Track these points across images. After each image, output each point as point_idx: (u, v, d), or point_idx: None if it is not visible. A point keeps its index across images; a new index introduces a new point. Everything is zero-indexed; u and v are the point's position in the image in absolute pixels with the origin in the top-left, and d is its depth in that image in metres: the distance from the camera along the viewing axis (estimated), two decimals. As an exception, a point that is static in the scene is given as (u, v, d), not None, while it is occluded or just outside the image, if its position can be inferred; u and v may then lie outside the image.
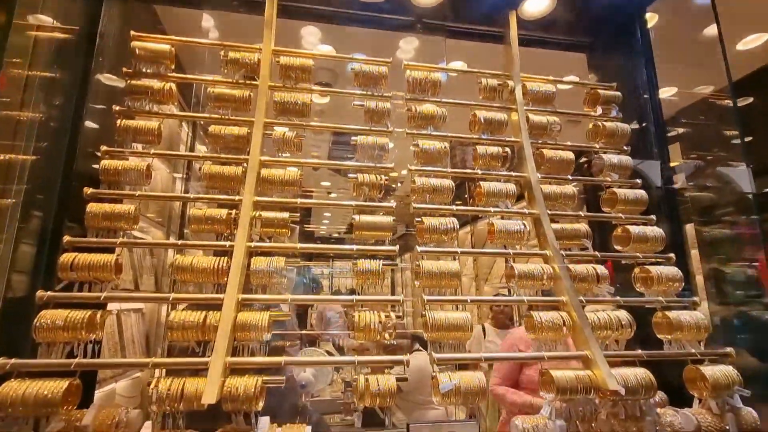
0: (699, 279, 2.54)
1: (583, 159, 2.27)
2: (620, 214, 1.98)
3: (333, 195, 8.06)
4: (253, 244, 1.62)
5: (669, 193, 2.26)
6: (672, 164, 2.41)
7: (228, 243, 1.60)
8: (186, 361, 1.39)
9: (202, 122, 2.88)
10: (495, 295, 4.44)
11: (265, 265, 1.58)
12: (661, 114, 2.46)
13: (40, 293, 1.41)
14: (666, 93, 3.48)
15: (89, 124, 1.80)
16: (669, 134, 2.66)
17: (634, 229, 1.90)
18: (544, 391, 1.54)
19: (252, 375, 1.36)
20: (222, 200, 1.71)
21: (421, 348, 4.78)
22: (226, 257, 1.57)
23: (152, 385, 1.30)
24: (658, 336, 1.77)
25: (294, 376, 2.62)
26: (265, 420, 1.36)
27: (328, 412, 3.43)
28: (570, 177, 2.02)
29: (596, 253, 1.87)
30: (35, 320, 1.35)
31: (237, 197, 1.70)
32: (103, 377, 2.35)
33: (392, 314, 1.56)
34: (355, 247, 1.69)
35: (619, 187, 2.03)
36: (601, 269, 1.81)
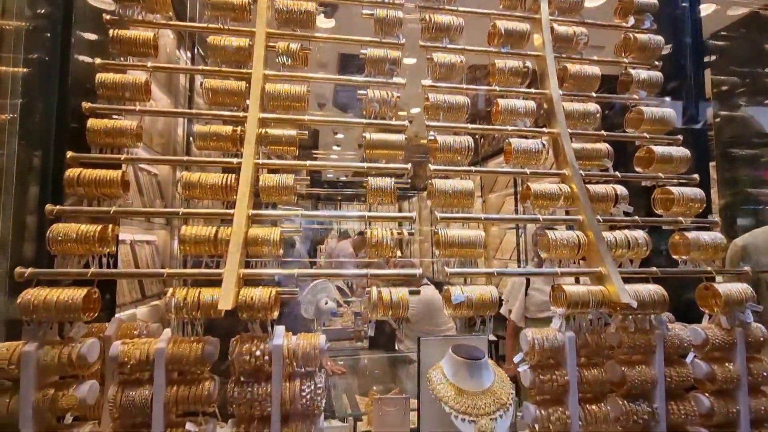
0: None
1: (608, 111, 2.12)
2: (645, 134, 1.88)
3: (339, 136, 7.87)
4: (260, 161, 1.57)
5: (696, 120, 2.14)
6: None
7: (235, 160, 1.55)
8: (200, 272, 1.40)
9: (197, 37, 2.71)
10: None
11: (274, 181, 1.54)
12: (700, 32, 2.26)
13: (49, 207, 1.39)
14: (706, 10, 3.18)
15: (81, 34, 1.68)
16: (704, 57, 2.46)
17: (658, 150, 1.81)
18: (555, 305, 1.55)
19: (266, 286, 1.37)
20: (226, 117, 1.64)
21: (428, 282, 4.91)
22: (234, 174, 1.53)
23: (169, 294, 1.31)
24: (674, 256, 1.74)
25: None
26: (280, 328, 1.40)
27: (340, 339, 3.60)
28: (594, 95, 1.89)
29: (617, 173, 1.79)
30: (48, 233, 1.34)
31: (242, 113, 1.62)
32: (122, 302, 2.43)
33: (404, 230, 1.54)
34: (366, 164, 1.63)
35: (646, 105, 1.90)
36: (621, 189, 1.75)
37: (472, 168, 1.71)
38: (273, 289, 1.36)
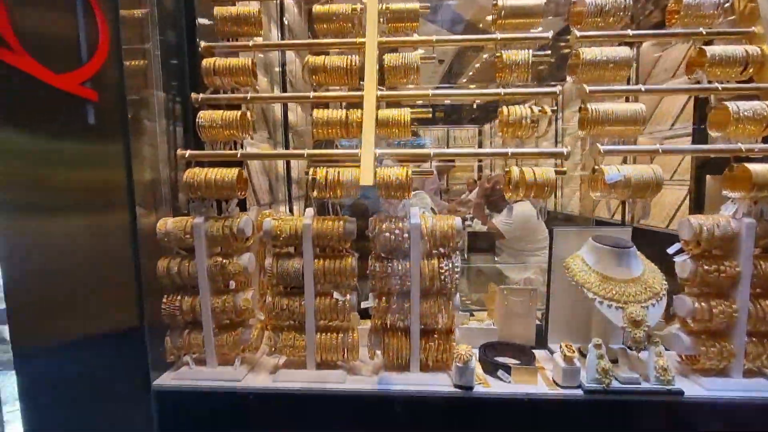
0: None
1: None
2: None
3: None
4: (384, 38, 1.46)
5: None
6: None
7: (357, 39, 1.47)
8: (339, 152, 1.41)
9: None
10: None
11: (399, 60, 1.44)
12: None
13: (194, 95, 1.47)
14: None
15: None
16: None
17: None
18: (729, 189, 1.32)
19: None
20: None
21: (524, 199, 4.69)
22: (357, 55, 1.45)
23: (311, 173, 1.35)
24: None
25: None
26: (415, 209, 1.39)
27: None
28: None
29: (831, 26, 1.38)
30: (197, 119, 1.42)
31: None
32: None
33: (546, 107, 1.37)
34: (499, 35, 1.44)
35: None
36: (837, 47, 1.35)
37: (629, 32, 1.42)
38: (408, 168, 1.33)
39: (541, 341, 1.61)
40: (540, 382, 1.37)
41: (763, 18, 1.37)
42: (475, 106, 5.88)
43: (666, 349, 1.35)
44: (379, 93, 1.42)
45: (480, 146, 5.87)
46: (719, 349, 1.31)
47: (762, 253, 1.32)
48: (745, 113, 1.31)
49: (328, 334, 1.41)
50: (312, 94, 1.46)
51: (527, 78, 1.43)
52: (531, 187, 1.31)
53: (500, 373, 1.38)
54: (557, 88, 1.37)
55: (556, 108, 1.34)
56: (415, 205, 3.28)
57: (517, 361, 1.46)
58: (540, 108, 1.37)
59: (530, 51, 1.41)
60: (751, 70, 1.39)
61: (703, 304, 1.31)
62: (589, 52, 1.39)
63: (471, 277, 3.42)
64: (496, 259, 3.54)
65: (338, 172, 1.34)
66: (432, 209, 4.10)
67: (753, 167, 1.25)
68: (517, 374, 1.36)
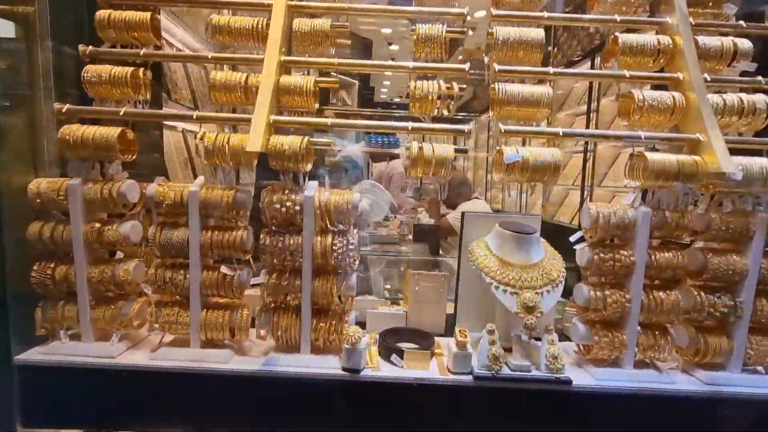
0: None
1: None
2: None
3: (394, 47, 7.23)
4: (294, 2, 1.38)
5: None
6: None
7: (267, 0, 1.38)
8: (230, 116, 1.32)
9: None
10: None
11: (308, 26, 1.36)
12: None
13: (82, 47, 1.34)
14: None
15: None
16: None
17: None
18: (630, 177, 1.31)
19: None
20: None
21: (479, 196, 4.69)
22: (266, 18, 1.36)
23: (199, 137, 1.26)
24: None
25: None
26: (313, 183, 1.31)
27: (384, 242, 3.61)
28: None
29: (741, 22, 1.38)
30: (82, 73, 1.31)
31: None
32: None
33: (455, 85, 1.32)
34: (416, 8, 1.38)
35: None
36: (744, 42, 1.35)
37: (544, 14, 1.38)
38: (305, 138, 1.25)
39: (452, 328, 1.57)
40: (435, 368, 1.33)
41: (677, 9, 1.36)
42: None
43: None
44: (283, 58, 1.34)
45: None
46: (611, 339, 1.29)
47: (660, 244, 1.32)
48: (650, 102, 1.29)
49: (216, 311, 1.32)
50: (210, 54, 1.36)
51: (442, 53, 1.38)
52: (429, 164, 1.26)
53: (393, 357, 1.33)
54: (466, 65, 1.32)
55: (466, 87, 1.28)
56: (367, 196, 3.24)
57: (416, 346, 1.41)
58: (448, 85, 1.32)
59: (444, 25, 1.36)
60: (662, 61, 1.38)
61: (598, 293, 1.29)
62: (502, 32, 1.35)
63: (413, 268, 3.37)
64: (441, 252, 3.52)
65: (228, 137, 1.26)
66: (394, 204, 4.07)
67: (651, 155, 1.23)
68: (409, 359, 1.31)
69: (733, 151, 1.22)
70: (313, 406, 1.27)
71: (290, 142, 1.24)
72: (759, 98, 1.30)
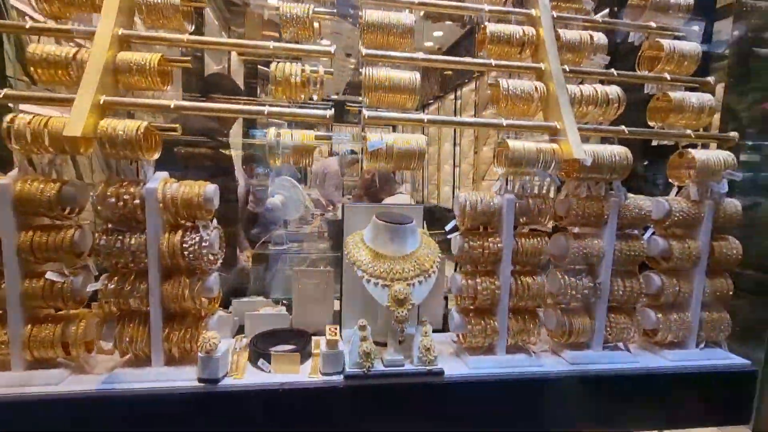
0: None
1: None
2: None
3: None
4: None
5: None
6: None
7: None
8: (45, 95, 1.13)
9: None
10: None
11: (155, -3, 1.20)
12: None
13: None
14: None
15: None
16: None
17: (654, -11, 1.44)
18: (497, 165, 1.32)
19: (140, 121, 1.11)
20: None
21: (403, 191, 4.70)
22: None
23: (7, 120, 1.06)
24: (650, 123, 1.48)
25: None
26: (160, 173, 1.16)
27: (308, 240, 3.48)
28: None
29: (597, 17, 1.45)
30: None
31: None
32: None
33: (321, 69, 1.24)
34: (276, -18, 1.27)
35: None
36: (599, 36, 1.42)
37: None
38: (143, 122, 1.10)
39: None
40: (308, 370, 1.24)
41: (539, 1, 1.39)
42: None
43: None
44: (122, 32, 1.17)
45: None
46: (483, 327, 1.29)
47: (525, 230, 1.34)
48: (514, 91, 1.31)
49: (45, 325, 1.13)
50: (29, 24, 1.15)
51: (310, 35, 1.29)
52: (290, 155, 1.17)
53: (260, 362, 1.22)
54: (332, 48, 1.25)
55: (332, 71, 1.21)
56: (281, 193, 3.08)
57: (293, 347, 1.32)
58: (313, 69, 1.23)
59: (311, 6, 1.27)
60: (528, 51, 1.41)
61: (469, 281, 1.28)
62: (373, 15, 1.29)
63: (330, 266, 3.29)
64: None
65: (47, 120, 1.07)
66: (322, 201, 3.93)
67: (513, 143, 1.25)
68: (277, 362, 1.21)
69: (591, 140, 1.27)
70: (163, 425, 1.13)
71: (125, 126, 1.08)
72: (612, 89, 1.38)
